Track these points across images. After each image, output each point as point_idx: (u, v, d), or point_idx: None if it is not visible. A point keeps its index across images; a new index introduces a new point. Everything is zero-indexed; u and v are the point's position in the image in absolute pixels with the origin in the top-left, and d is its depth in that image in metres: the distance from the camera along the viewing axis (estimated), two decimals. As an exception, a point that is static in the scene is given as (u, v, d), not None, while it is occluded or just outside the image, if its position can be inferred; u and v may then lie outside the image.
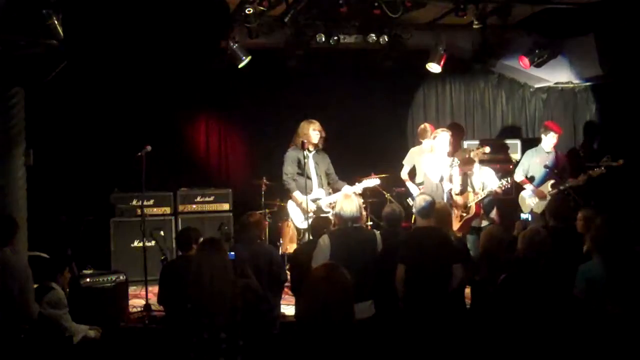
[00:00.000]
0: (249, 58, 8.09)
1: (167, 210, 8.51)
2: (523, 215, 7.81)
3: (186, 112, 9.21)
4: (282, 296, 6.27)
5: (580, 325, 4.29)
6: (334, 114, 9.02)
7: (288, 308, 6.51)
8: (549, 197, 7.37)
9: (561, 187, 7.44)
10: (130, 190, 8.18)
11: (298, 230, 7.52)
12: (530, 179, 7.93)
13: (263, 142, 9.09)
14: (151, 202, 8.34)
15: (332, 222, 6.06)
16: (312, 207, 7.23)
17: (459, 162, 7.22)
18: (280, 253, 7.47)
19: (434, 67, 8.84)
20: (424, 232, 5.36)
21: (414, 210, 5.54)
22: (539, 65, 8.82)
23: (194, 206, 8.62)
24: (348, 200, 5.25)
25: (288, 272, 6.89)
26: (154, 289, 6.20)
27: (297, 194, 7.31)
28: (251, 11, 7.25)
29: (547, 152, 7.95)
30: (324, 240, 5.14)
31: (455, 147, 7.96)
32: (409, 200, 7.80)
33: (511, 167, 8.79)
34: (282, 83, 9.09)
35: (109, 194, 8.32)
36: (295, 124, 7.59)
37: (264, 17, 7.52)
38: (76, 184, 8.29)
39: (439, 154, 7.39)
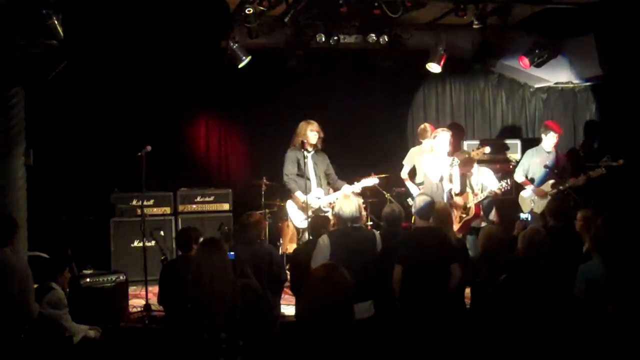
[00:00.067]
0: (249, 58, 8.09)
1: (167, 210, 8.51)
2: (523, 215, 7.81)
3: (186, 112, 9.22)
4: (282, 296, 6.27)
5: (580, 325, 4.29)
6: (334, 114, 9.02)
7: (288, 308, 6.51)
8: (549, 196, 7.38)
9: (561, 188, 7.45)
10: (130, 190, 8.18)
11: (297, 229, 7.52)
12: (531, 180, 7.94)
13: (263, 142, 9.09)
14: (151, 202, 8.34)
15: (331, 221, 6.06)
16: (315, 204, 7.23)
17: (459, 162, 7.22)
18: (280, 253, 7.46)
19: (434, 67, 8.84)
20: (422, 232, 5.36)
21: (413, 210, 5.54)
22: (539, 65, 8.82)
23: (194, 206, 8.63)
24: (347, 201, 5.26)
25: (288, 272, 6.89)
26: (154, 289, 6.20)
27: (298, 193, 7.31)
28: (251, 11, 7.25)
29: (548, 152, 7.95)
30: (324, 240, 5.14)
31: (455, 147, 7.96)
32: (409, 200, 7.79)
33: (511, 167, 8.79)
34: (282, 83, 9.08)
35: (109, 194, 8.32)
36: (295, 124, 7.59)
37: (264, 17, 7.52)
38: (76, 184, 8.28)
39: (439, 153, 7.39)
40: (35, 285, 5.34)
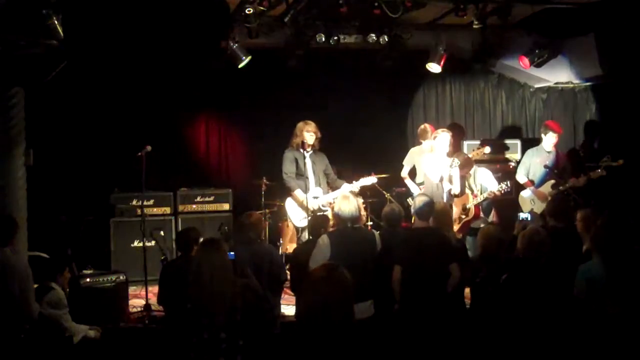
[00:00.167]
0: (249, 58, 8.09)
1: (167, 210, 8.51)
2: (523, 215, 7.80)
3: (186, 112, 9.21)
4: (282, 296, 6.28)
5: (580, 325, 4.29)
6: (334, 114, 9.02)
7: (288, 308, 6.51)
8: (549, 198, 7.38)
9: (561, 188, 7.45)
10: (130, 190, 8.18)
11: (296, 228, 7.51)
12: (531, 181, 7.94)
13: (263, 142, 9.09)
14: (151, 202, 8.35)
15: (331, 221, 6.06)
16: (315, 204, 7.23)
17: (459, 162, 7.22)
18: (280, 253, 7.47)
19: (434, 67, 8.84)
20: (421, 232, 5.36)
21: (412, 211, 5.54)
22: (539, 65, 8.82)
23: (194, 206, 8.63)
24: (347, 201, 5.26)
25: (288, 272, 6.90)
26: (154, 289, 6.20)
27: (298, 192, 7.32)
28: (251, 11, 7.25)
29: (548, 152, 7.96)
30: (323, 240, 5.14)
31: (456, 147, 7.97)
32: (409, 200, 7.80)
33: (511, 167, 8.80)
34: (282, 83, 9.08)
35: (109, 194, 8.32)
36: (295, 124, 7.59)
37: (264, 17, 7.52)
38: (76, 184, 8.28)
39: (439, 154, 7.39)
40: (35, 285, 5.34)
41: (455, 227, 7.13)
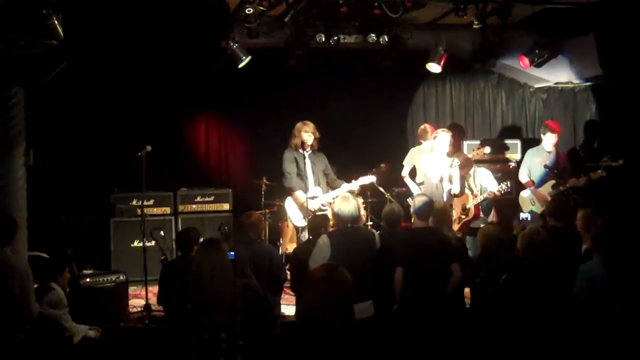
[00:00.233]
0: (249, 58, 8.09)
1: (167, 210, 8.51)
2: (523, 215, 7.82)
3: (186, 112, 9.22)
4: (282, 296, 6.28)
5: (580, 325, 4.29)
6: (334, 114, 9.03)
7: (288, 308, 6.51)
8: (549, 200, 7.39)
9: (561, 188, 7.45)
10: (130, 190, 8.18)
11: (295, 228, 7.51)
12: (533, 181, 7.95)
13: (263, 142, 9.08)
14: (151, 202, 8.35)
15: (331, 220, 6.06)
16: (315, 205, 7.23)
17: (459, 162, 7.22)
18: (280, 253, 7.47)
19: (434, 67, 8.84)
20: (421, 233, 5.36)
21: (412, 211, 5.54)
22: (539, 65, 8.82)
23: (194, 206, 8.63)
24: (346, 202, 5.26)
25: (288, 272, 6.89)
26: (154, 289, 6.20)
27: (299, 192, 7.31)
28: (251, 11, 7.25)
29: (548, 152, 7.96)
30: (323, 240, 5.14)
31: (456, 147, 7.97)
32: (409, 199, 7.80)
33: (511, 167, 8.80)
34: (282, 83, 9.08)
35: (109, 194, 8.32)
36: (295, 124, 7.59)
37: (264, 17, 7.52)
38: (76, 184, 8.28)
39: (439, 154, 7.39)
40: (35, 285, 5.35)
41: (455, 227, 7.13)
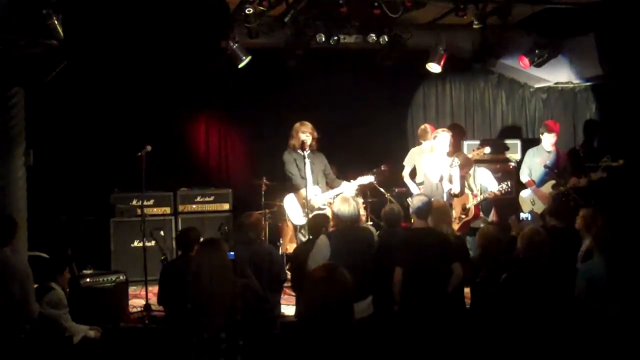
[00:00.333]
0: (249, 58, 8.09)
1: (167, 210, 8.52)
2: (523, 215, 7.82)
3: (186, 112, 9.21)
4: (282, 296, 6.28)
5: (580, 325, 4.29)
6: (334, 114, 9.03)
7: (288, 308, 6.51)
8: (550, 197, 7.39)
9: (562, 189, 7.46)
10: (130, 190, 8.18)
11: (294, 226, 7.48)
12: (534, 181, 7.96)
13: (263, 142, 9.07)
14: (151, 202, 8.35)
15: (330, 219, 6.05)
16: (319, 201, 7.20)
17: (459, 162, 7.22)
18: (280, 253, 7.46)
19: (434, 67, 8.84)
20: (420, 233, 5.36)
21: (411, 210, 5.54)
22: (539, 65, 8.82)
23: (194, 206, 8.63)
24: (346, 203, 5.25)
25: (288, 272, 6.89)
26: (154, 289, 6.21)
27: (304, 191, 7.25)
28: (251, 11, 7.25)
29: (548, 152, 7.97)
30: (322, 240, 5.14)
31: (456, 147, 7.97)
32: (409, 199, 7.79)
33: (511, 167, 8.80)
34: (282, 83, 9.08)
35: (109, 194, 8.32)
36: (295, 124, 7.59)
37: (264, 17, 7.52)
38: (76, 184, 8.28)
39: (439, 154, 7.39)
40: (35, 285, 5.35)
41: (455, 227, 7.13)
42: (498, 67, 9.74)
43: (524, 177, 8.12)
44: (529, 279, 4.47)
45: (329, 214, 6.34)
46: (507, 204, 8.15)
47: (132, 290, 7.13)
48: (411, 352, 4.87)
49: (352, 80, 9.31)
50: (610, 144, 9.04)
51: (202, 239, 5.18)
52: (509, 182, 7.39)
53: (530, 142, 8.90)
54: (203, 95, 9.10)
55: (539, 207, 7.66)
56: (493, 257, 5.13)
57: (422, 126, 8.52)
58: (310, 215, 6.81)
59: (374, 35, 8.16)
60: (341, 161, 8.25)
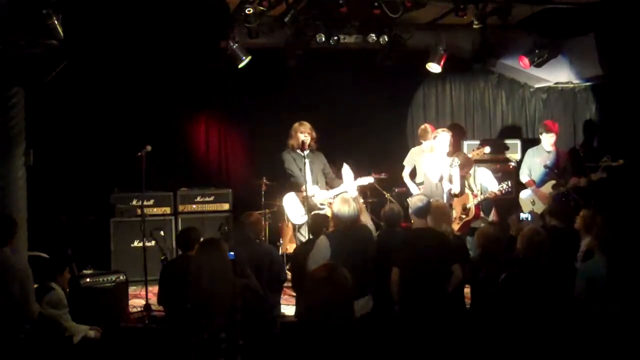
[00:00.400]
0: (249, 58, 8.09)
1: (167, 210, 8.52)
2: (523, 215, 7.81)
3: (186, 112, 9.21)
4: (282, 296, 6.27)
5: (580, 325, 4.29)
6: (334, 114, 9.03)
7: (288, 308, 6.51)
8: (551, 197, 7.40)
9: (562, 189, 7.46)
10: (130, 190, 8.18)
11: (293, 225, 7.46)
12: (534, 181, 7.96)
13: (263, 142, 9.07)
14: (151, 202, 8.35)
15: (330, 219, 6.04)
16: (320, 200, 7.17)
17: (459, 162, 7.22)
18: (280, 253, 7.45)
19: (434, 67, 8.84)
20: (420, 233, 5.36)
21: (410, 211, 5.54)
22: (539, 65, 8.82)
23: (194, 206, 8.63)
24: (346, 203, 5.25)
25: (288, 272, 6.89)
26: (154, 289, 6.21)
27: (308, 184, 7.19)
28: (251, 11, 7.25)
29: (548, 152, 7.97)
30: (323, 241, 5.13)
31: (456, 147, 7.97)
32: (409, 199, 7.78)
33: (511, 167, 8.81)
34: (282, 83, 9.08)
35: (109, 194, 8.32)
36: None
37: (264, 17, 7.52)
38: (76, 184, 8.28)
39: (439, 153, 7.39)
40: (35, 285, 5.34)
41: (456, 227, 7.13)
42: (498, 67, 9.74)
43: (523, 177, 8.13)
44: (528, 279, 4.47)
45: (329, 214, 6.33)
46: (507, 204, 8.15)
47: (132, 290, 7.13)
48: (411, 353, 4.87)
49: (352, 80, 9.31)
50: (610, 144, 9.04)
51: (202, 239, 5.18)
52: (509, 182, 7.39)
53: (530, 142, 8.90)
54: (203, 95, 9.10)
55: (539, 207, 7.66)
56: (493, 257, 5.13)
57: (422, 126, 8.52)
58: (310, 215, 6.81)
59: (374, 35, 8.16)
60: (341, 161, 8.22)
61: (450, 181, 7.25)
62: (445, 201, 7.00)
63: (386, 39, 8.21)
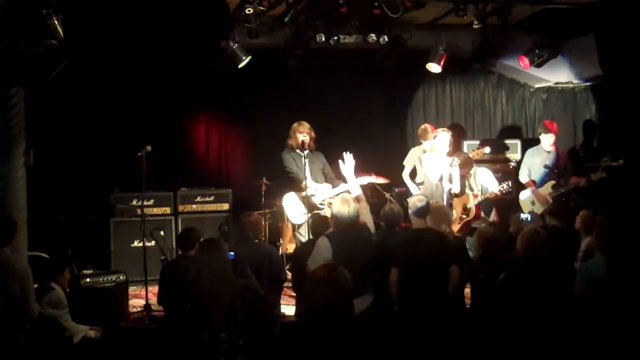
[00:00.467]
0: (249, 58, 8.09)
1: (167, 210, 8.52)
2: (523, 216, 7.82)
3: (186, 112, 9.22)
4: (282, 296, 6.27)
5: (580, 325, 4.29)
6: (334, 113, 9.03)
7: (288, 308, 6.51)
8: (550, 201, 7.40)
9: (562, 190, 7.46)
10: (130, 190, 8.19)
11: (292, 225, 7.46)
12: (533, 181, 7.96)
13: (263, 142, 9.07)
14: (151, 202, 8.35)
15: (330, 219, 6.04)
16: (321, 199, 7.16)
17: (459, 161, 7.22)
18: (280, 253, 7.45)
19: (434, 67, 8.84)
20: (420, 233, 5.36)
21: (409, 211, 5.53)
22: (539, 65, 8.82)
23: (194, 206, 8.63)
24: (345, 204, 5.25)
25: (288, 272, 6.89)
26: (154, 289, 6.21)
27: (308, 181, 7.19)
28: (251, 11, 7.25)
29: (547, 152, 7.97)
30: (323, 242, 5.13)
31: (456, 148, 7.97)
32: (409, 200, 7.78)
33: (511, 167, 8.80)
34: (282, 83, 9.08)
35: (109, 194, 8.32)
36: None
37: (264, 17, 7.52)
38: (76, 184, 8.29)
39: (439, 153, 7.39)
40: (35, 285, 5.34)
41: (457, 227, 7.13)
42: (498, 67, 9.74)
43: (523, 178, 8.13)
44: (528, 279, 4.47)
45: (328, 214, 6.33)
46: (508, 204, 8.15)
47: (132, 290, 7.13)
48: (411, 353, 4.87)
49: (352, 80, 9.30)
50: (610, 144, 9.04)
51: (202, 239, 5.18)
52: (509, 182, 7.39)
53: (530, 142, 8.90)
54: (203, 95, 9.10)
55: (539, 208, 7.66)
56: (493, 257, 5.13)
57: (422, 126, 8.51)
58: (310, 214, 6.81)
59: (374, 35, 8.16)
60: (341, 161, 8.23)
61: (450, 181, 7.25)
62: (445, 201, 7.00)
63: (386, 39, 8.21)
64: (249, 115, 9.31)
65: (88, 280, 6.38)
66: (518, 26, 8.64)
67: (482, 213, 7.50)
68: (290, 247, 7.59)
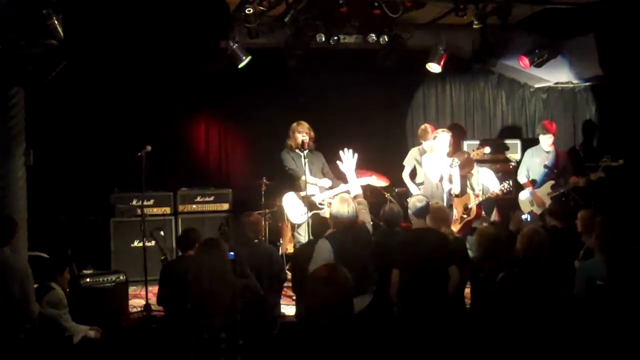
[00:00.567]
0: (249, 58, 8.09)
1: (167, 210, 8.52)
2: (522, 216, 7.82)
3: (186, 112, 9.22)
4: (282, 296, 6.27)
5: (580, 325, 4.29)
6: (334, 113, 9.03)
7: (288, 308, 6.51)
8: (547, 203, 7.39)
9: (561, 190, 7.46)
10: (130, 190, 8.19)
11: (292, 225, 7.45)
12: (532, 181, 7.96)
13: (263, 142, 9.06)
14: (151, 202, 8.35)
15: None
16: (321, 198, 7.15)
17: (459, 162, 7.22)
18: (280, 253, 7.45)
19: (434, 67, 8.83)
20: (420, 233, 5.36)
21: (409, 211, 5.53)
22: (539, 65, 8.82)
23: (194, 206, 8.63)
24: (345, 203, 5.24)
25: (288, 272, 6.89)
26: (154, 289, 6.21)
27: (307, 177, 7.18)
28: (251, 11, 7.25)
29: (547, 152, 7.97)
30: (324, 243, 5.11)
31: (456, 147, 7.97)
32: (408, 200, 7.78)
33: (511, 167, 8.80)
34: (282, 83, 9.08)
35: (109, 194, 8.32)
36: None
37: (264, 17, 7.52)
38: (76, 184, 8.29)
39: (439, 154, 7.39)
40: (35, 285, 5.35)
41: (457, 227, 7.13)
42: (498, 67, 9.74)
43: (521, 178, 8.12)
44: (528, 279, 4.47)
45: (327, 214, 6.32)
46: (508, 203, 8.15)
47: (132, 290, 7.13)
48: (411, 353, 4.87)
49: (352, 80, 9.31)
50: (610, 144, 9.04)
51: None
52: (510, 182, 7.39)
53: (530, 142, 8.90)
54: (203, 95, 9.10)
55: (538, 208, 7.66)
56: (493, 257, 5.13)
57: (422, 126, 8.51)
58: (310, 214, 6.81)
59: (374, 35, 8.16)
60: (341, 161, 8.23)
61: (450, 181, 7.25)
62: (445, 202, 6.99)
63: (386, 39, 8.21)
64: (249, 115, 9.31)
65: (88, 280, 6.39)
66: (518, 26, 8.64)
67: (483, 213, 7.50)
68: (290, 247, 7.59)
